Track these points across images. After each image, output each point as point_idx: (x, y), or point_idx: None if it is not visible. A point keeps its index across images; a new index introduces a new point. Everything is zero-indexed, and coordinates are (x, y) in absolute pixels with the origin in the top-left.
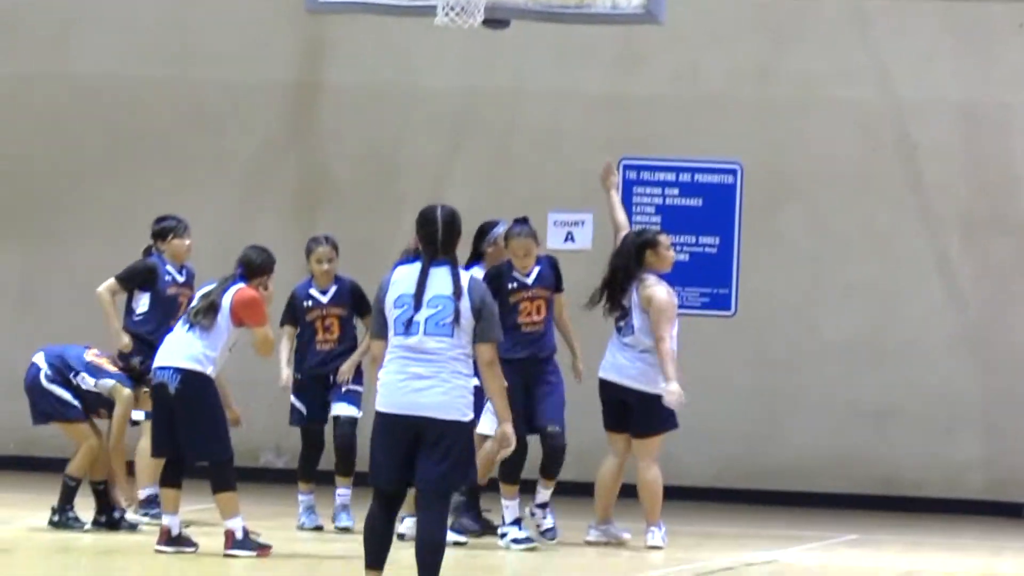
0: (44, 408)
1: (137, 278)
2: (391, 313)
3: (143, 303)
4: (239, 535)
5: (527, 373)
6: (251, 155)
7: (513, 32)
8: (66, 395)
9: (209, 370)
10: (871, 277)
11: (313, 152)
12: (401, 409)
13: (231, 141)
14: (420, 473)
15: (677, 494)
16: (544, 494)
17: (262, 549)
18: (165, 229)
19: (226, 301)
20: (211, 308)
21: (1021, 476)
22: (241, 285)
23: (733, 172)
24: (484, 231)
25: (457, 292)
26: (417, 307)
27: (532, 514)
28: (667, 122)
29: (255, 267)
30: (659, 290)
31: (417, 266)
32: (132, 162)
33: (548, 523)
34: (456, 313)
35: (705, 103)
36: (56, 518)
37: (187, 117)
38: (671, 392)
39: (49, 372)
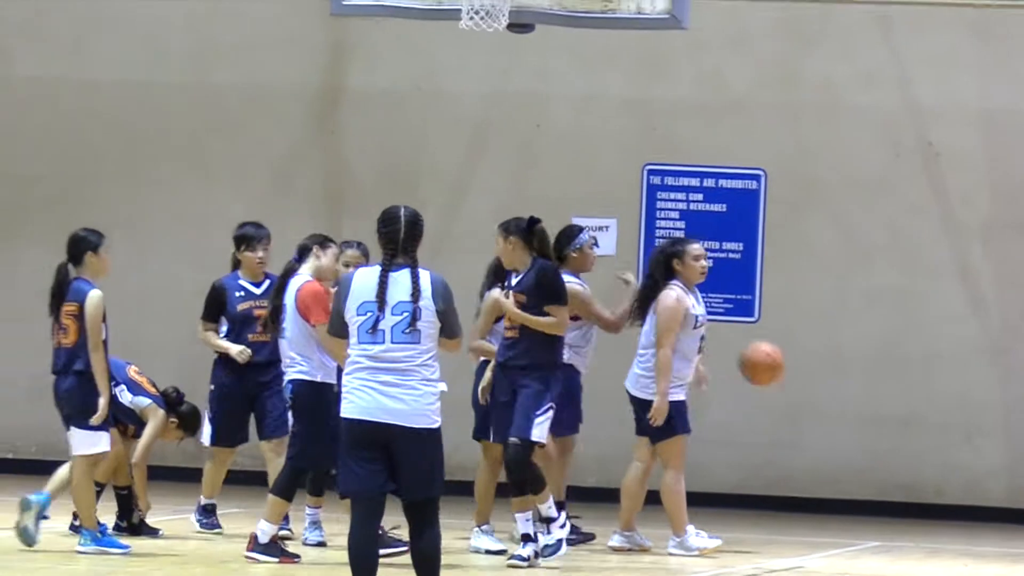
0: None
1: (212, 307)
2: (354, 320)
3: (224, 326)
4: (262, 539)
5: (507, 378)
6: (275, 159)
7: (537, 36)
8: None
9: (319, 376)
10: (894, 284)
11: (337, 156)
12: (371, 416)
13: (254, 145)
14: (409, 487)
15: (701, 500)
16: (519, 520)
17: (286, 557)
18: (240, 238)
19: (289, 300)
20: (273, 312)
21: None
22: (305, 280)
23: (757, 178)
24: (570, 236)
25: (415, 295)
26: (381, 314)
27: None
28: (691, 127)
29: (307, 247)
30: (668, 295)
31: (377, 270)
32: (154, 167)
33: (525, 551)
34: (415, 315)
35: (728, 108)
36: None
37: (210, 122)
38: (655, 407)
39: None
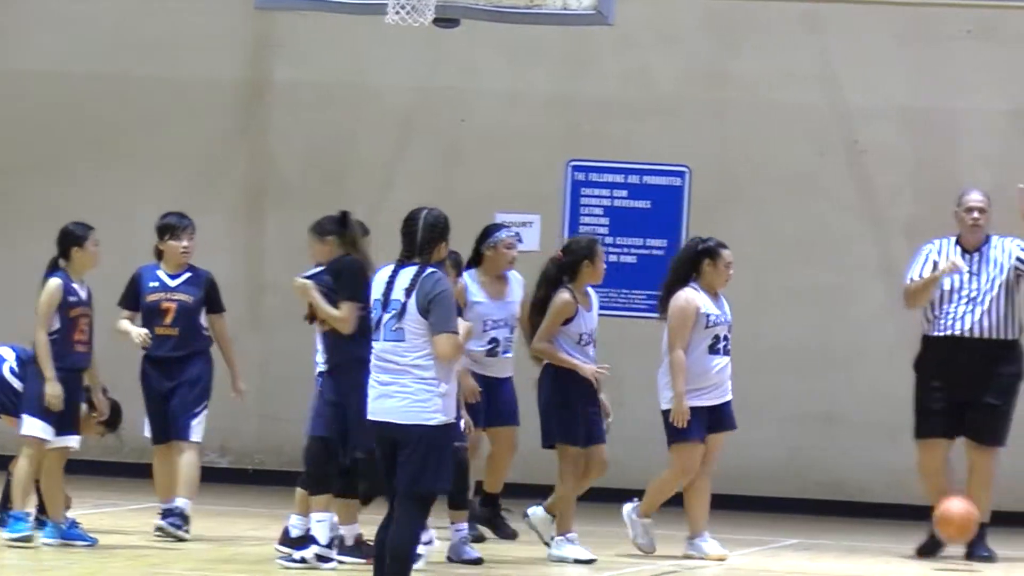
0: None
1: (128, 295)
2: (371, 316)
3: (140, 315)
4: (347, 541)
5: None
6: (198, 153)
7: (463, 32)
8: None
9: None
10: (818, 281)
11: (261, 151)
12: (375, 415)
13: (178, 139)
14: (398, 479)
15: (621, 497)
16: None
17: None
18: (163, 228)
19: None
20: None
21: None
22: None
23: (681, 175)
24: (486, 234)
25: (408, 292)
26: (381, 312)
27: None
28: (616, 124)
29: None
30: (678, 295)
31: (391, 267)
32: (78, 160)
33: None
34: (402, 312)
35: (654, 105)
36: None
37: (133, 114)
38: (673, 409)
39: (15, 366)
